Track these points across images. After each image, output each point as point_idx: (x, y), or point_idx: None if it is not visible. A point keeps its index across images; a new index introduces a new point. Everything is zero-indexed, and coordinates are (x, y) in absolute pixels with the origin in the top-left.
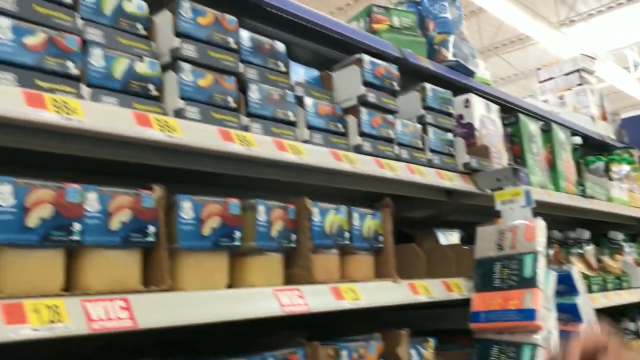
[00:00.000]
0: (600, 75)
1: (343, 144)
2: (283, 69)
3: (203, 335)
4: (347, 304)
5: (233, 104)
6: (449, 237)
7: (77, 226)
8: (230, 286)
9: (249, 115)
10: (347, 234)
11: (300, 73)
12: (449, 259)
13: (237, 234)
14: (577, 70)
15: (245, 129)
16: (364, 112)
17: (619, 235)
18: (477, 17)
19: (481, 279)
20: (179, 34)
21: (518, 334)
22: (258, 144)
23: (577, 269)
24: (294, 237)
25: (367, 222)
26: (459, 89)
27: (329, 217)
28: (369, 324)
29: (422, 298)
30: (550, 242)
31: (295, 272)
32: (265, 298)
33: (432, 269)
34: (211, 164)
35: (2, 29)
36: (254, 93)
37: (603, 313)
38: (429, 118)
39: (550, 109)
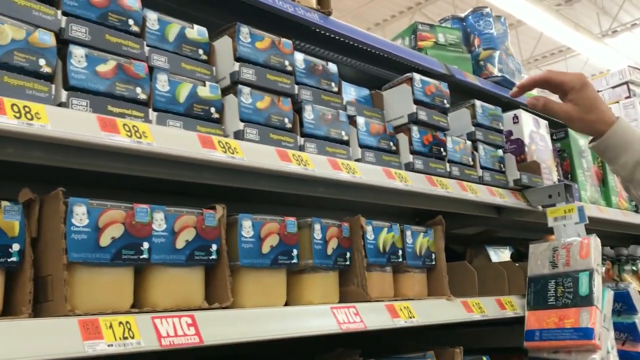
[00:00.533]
0: None
1: (395, 162)
2: (335, 89)
3: (256, 351)
4: (402, 322)
5: (289, 125)
6: (500, 254)
7: (145, 245)
8: (286, 303)
9: (304, 135)
10: (400, 252)
11: (350, 92)
12: (500, 277)
13: (295, 252)
14: (625, 83)
15: (301, 148)
16: (415, 130)
17: None
18: (516, 29)
19: (535, 296)
20: (238, 59)
21: (575, 353)
22: (314, 163)
23: (634, 287)
24: (348, 255)
25: (420, 240)
26: (505, 104)
27: (382, 235)
28: (419, 341)
29: (476, 316)
30: (601, 258)
31: (350, 290)
32: (323, 315)
33: (483, 287)
34: (269, 183)
35: (77, 58)
36: (308, 113)
37: None
38: (479, 135)
39: None
